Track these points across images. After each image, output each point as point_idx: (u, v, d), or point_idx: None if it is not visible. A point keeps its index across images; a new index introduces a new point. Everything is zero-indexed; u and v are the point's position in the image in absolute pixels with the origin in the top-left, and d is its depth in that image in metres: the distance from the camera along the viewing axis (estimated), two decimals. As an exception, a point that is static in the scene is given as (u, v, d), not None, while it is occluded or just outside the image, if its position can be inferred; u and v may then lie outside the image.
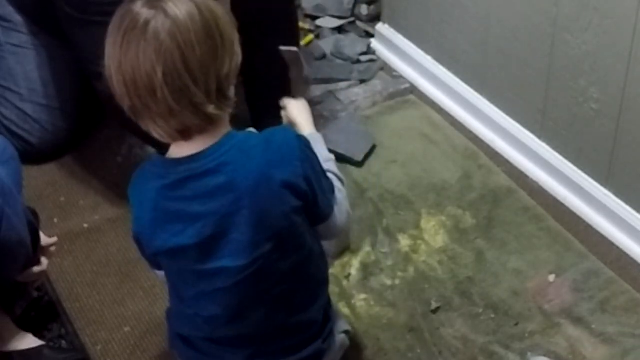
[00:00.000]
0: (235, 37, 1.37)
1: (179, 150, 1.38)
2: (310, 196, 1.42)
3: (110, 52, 1.33)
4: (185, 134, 1.35)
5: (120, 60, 1.30)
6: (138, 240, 1.47)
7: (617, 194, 2.08)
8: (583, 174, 2.15)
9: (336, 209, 1.51)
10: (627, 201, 2.06)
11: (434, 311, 1.95)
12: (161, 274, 1.54)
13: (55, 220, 2.16)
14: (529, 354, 1.84)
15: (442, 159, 2.36)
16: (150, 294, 1.98)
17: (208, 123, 1.35)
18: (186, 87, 1.29)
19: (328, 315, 1.60)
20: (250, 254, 1.39)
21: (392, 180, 2.29)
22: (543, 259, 2.07)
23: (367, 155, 2.36)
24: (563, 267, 2.04)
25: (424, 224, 2.17)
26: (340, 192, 1.55)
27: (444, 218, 2.18)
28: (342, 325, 1.67)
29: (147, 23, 1.29)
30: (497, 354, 1.85)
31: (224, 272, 1.41)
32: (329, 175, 1.54)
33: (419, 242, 2.11)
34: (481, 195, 2.24)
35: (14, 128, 2.30)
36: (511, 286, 2.00)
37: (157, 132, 1.35)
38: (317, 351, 1.55)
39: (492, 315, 1.94)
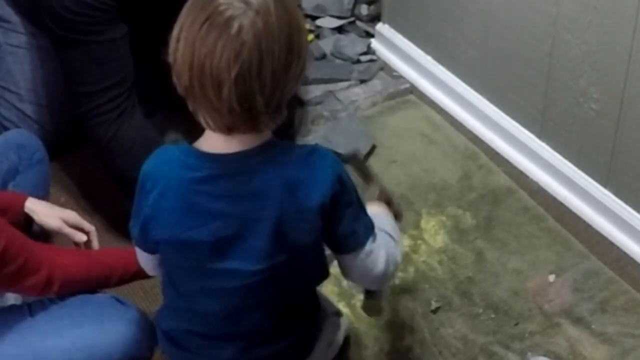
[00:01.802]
0: (307, 56, 1.35)
1: (214, 143, 1.35)
2: (333, 217, 1.40)
3: (186, 26, 1.27)
4: (230, 130, 1.32)
5: (195, 42, 1.26)
6: (144, 223, 1.43)
7: (617, 194, 2.08)
8: (583, 174, 2.15)
9: (370, 249, 1.46)
10: (627, 201, 2.06)
11: (434, 311, 1.95)
12: (148, 258, 1.51)
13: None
14: (529, 354, 1.84)
15: (442, 159, 2.36)
16: (151, 294, 1.98)
17: (257, 129, 1.33)
18: (252, 93, 1.26)
19: (317, 302, 1.59)
20: (264, 261, 1.38)
21: (392, 180, 2.29)
22: (543, 259, 2.07)
23: (367, 155, 2.36)
24: (563, 267, 2.04)
25: (424, 224, 2.17)
26: (386, 245, 1.51)
27: (444, 218, 2.18)
28: (330, 308, 1.67)
29: (234, 17, 1.24)
30: (497, 354, 1.86)
31: (233, 273, 1.40)
32: (381, 232, 1.51)
33: (419, 242, 2.11)
34: (481, 195, 2.25)
35: (13, 128, 2.30)
36: (511, 286, 2.00)
37: (204, 119, 1.32)
38: (308, 335, 1.55)
39: (492, 315, 1.94)
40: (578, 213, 2.17)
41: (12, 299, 1.73)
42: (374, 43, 2.75)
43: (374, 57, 2.71)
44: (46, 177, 1.88)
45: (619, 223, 2.08)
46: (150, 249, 1.48)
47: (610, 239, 2.10)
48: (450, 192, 2.26)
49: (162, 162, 1.41)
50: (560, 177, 2.21)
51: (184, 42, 1.27)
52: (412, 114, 2.53)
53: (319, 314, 1.57)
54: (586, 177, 2.15)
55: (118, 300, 1.71)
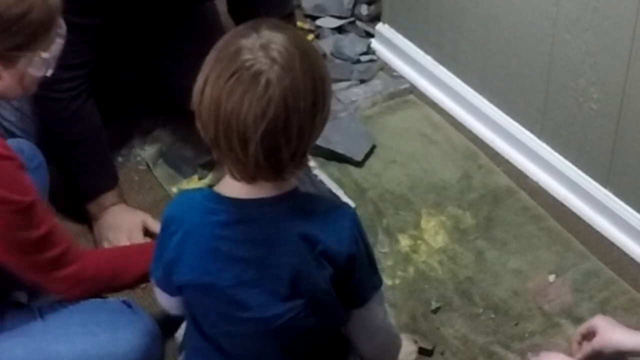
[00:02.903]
0: (331, 101, 1.35)
1: (235, 189, 1.36)
2: (346, 275, 1.40)
3: (210, 81, 1.28)
4: (254, 180, 1.33)
5: (220, 97, 1.26)
6: (167, 266, 1.44)
7: (617, 194, 2.08)
8: (583, 174, 2.15)
9: (378, 302, 1.48)
10: (627, 201, 2.06)
11: (434, 311, 1.95)
12: (169, 299, 1.51)
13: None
14: (529, 354, 1.84)
15: (442, 159, 2.36)
16: (150, 294, 1.98)
17: (281, 178, 1.33)
18: (278, 148, 1.27)
19: (344, 344, 1.58)
20: (282, 306, 1.39)
21: (392, 180, 2.29)
22: (543, 259, 2.07)
23: (367, 155, 2.36)
24: (563, 267, 2.04)
25: (424, 224, 2.16)
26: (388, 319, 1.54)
27: (444, 218, 2.18)
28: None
29: (260, 72, 1.25)
30: (497, 354, 1.86)
31: (253, 318, 1.40)
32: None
33: (419, 242, 2.11)
34: (481, 195, 2.24)
35: (13, 129, 2.29)
36: (511, 286, 2.00)
37: (230, 169, 1.33)
38: None
39: (492, 315, 1.94)
40: (578, 213, 2.17)
41: (22, 296, 1.72)
42: (374, 43, 2.75)
43: (374, 57, 2.71)
44: (45, 182, 1.89)
45: (619, 223, 2.08)
46: (172, 291, 1.49)
47: (610, 239, 2.10)
48: (450, 192, 2.26)
49: (185, 205, 1.42)
50: (560, 177, 2.21)
51: (209, 96, 1.27)
52: (412, 114, 2.53)
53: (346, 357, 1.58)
54: (586, 177, 2.15)
55: (129, 306, 1.71)
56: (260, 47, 1.26)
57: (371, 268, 1.45)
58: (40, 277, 1.58)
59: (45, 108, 2.02)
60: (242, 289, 1.38)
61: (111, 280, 1.69)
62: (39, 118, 2.05)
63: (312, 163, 2.20)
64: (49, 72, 1.58)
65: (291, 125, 1.26)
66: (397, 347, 1.59)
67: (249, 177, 1.32)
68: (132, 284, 1.75)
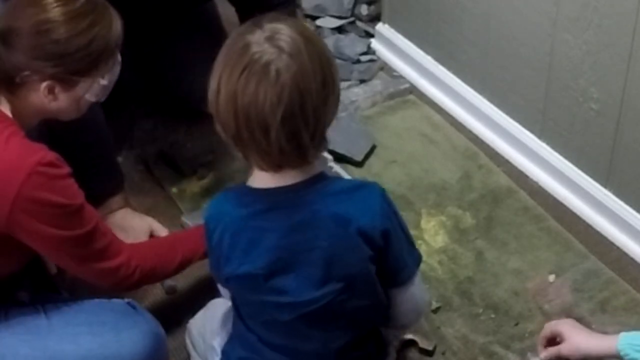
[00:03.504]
0: (339, 85, 1.42)
1: (264, 180, 1.41)
2: (384, 251, 1.44)
3: (223, 80, 1.34)
4: (281, 168, 1.39)
5: (236, 93, 1.32)
6: (214, 262, 1.50)
7: (617, 194, 2.08)
8: (583, 174, 2.15)
9: (418, 280, 1.53)
10: (627, 201, 2.06)
11: (434, 311, 1.95)
12: (226, 294, 1.57)
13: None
14: (529, 354, 1.84)
15: (442, 159, 2.36)
16: (152, 296, 1.98)
17: (304, 162, 1.39)
18: (298, 130, 1.33)
19: (382, 341, 1.60)
20: (317, 290, 1.42)
21: (392, 180, 2.29)
22: (543, 259, 2.07)
23: (367, 155, 2.36)
24: (563, 267, 2.04)
25: (424, 224, 2.17)
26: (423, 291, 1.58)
27: (444, 218, 2.18)
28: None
29: (270, 62, 1.31)
30: (497, 354, 1.86)
31: (289, 303, 1.44)
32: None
33: (419, 242, 2.11)
34: (481, 195, 2.25)
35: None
36: (511, 286, 2.00)
37: (256, 161, 1.38)
38: None
39: (492, 315, 1.94)
40: (578, 213, 2.17)
41: (24, 296, 1.73)
42: (374, 43, 2.75)
43: (374, 57, 2.71)
44: None
45: (619, 223, 2.08)
46: (224, 285, 1.54)
47: (610, 239, 2.10)
48: (450, 192, 2.26)
49: (221, 203, 1.48)
50: (560, 177, 2.21)
51: (225, 94, 1.33)
52: (412, 114, 2.53)
53: (384, 355, 1.59)
54: (586, 177, 2.15)
55: (133, 307, 1.73)
56: (266, 39, 1.32)
57: (408, 243, 1.50)
58: (90, 269, 1.64)
59: None
60: (277, 276, 1.42)
61: (157, 269, 1.73)
62: (49, 124, 2.05)
63: (327, 156, 2.23)
64: (103, 98, 1.68)
65: (306, 107, 1.32)
66: (427, 308, 1.63)
67: (275, 165, 1.37)
68: (178, 270, 1.79)
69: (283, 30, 1.34)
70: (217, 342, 1.61)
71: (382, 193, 1.44)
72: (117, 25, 1.60)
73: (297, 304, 1.43)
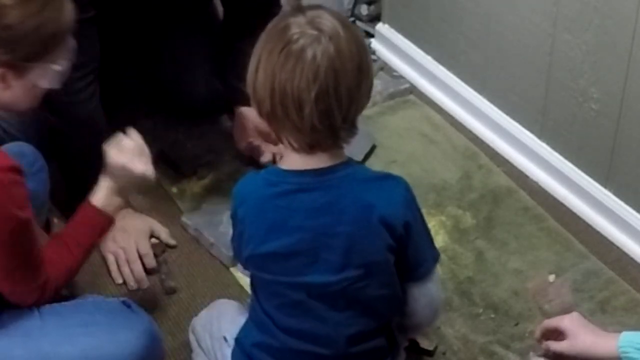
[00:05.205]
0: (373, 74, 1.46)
1: (294, 162, 1.45)
2: (404, 242, 1.46)
3: (263, 58, 1.39)
4: (312, 148, 1.42)
5: (274, 70, 1.37)
6: (237, 240, 1.52)
7: (617, 194, 2.08)
8: (583, 174, 2.15)
9: (436, 277, 1.55)
10: (627, 201, 2.06)
11: (434, 311, 1.95)
12: (247, 274, 1.60)
13: (55, 220, 2.16)
14: (531, 352, 1.84)
15: (442, 159, 2.36)
16: (149, 295, 1.98)
17: (335, 145, 1.43)
18: (331, 110, 1.38)
19: (394, 339, 1.61)
20: (337, 274, 1.44)
21: (392, 180, 2.29)
22: (543, 259, 2.07)
23: (367, 155, 2.36)
24: (563, 267, 2.04)
25: (424, 224, 2.16)
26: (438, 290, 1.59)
27: (444, 218, 2.18)
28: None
29: (308, 42, 1.37)
30: (497, 354, 1.86)
31: (308, 285, 1.45)
32: None
33: (419, 242, 2.11)
34: (481, 195, 2.25)
35: (12, 130, 2.29)
36: (511, 286, 2.00)
37: (289, 140, 1.42)
38: None
39: (492, 315, 1.94)
40: (578, 213, 2.17)
41: None
42: (374, 43, 2.75)
43: (374, 57, 2.71)
44: (46, 186, 1.89)
45: (619, 223, 2.08)
46: (244, 264, 1.56)
47: (610, 239, 2.10)
48: (450, 192, 2.26)
49: (249, 182, 1.52)
50: (560, 177, 2.21)
51: (263, 72, 1.39)
52: (412, 114, 2.53)
53: (394, 350, 1.59)
54: (586, 177, 2.15)
55: (129, 306, 1.72)
56: (307, 22, 1.38)
57: (429, 239, 1.52)
58: (12, 286, 1.59)
59: (65, 113, 2.02)
60: (296, 257, 1.44)
61: (68, 275, 1.69)
62: (55, 125, 2.05)
63: None
64: (58, 86, 1.63)
65: (340, 88, 1.37)
66: (441, 309, 1.65)
67: (307, 145, 1.41)
68: (85, 259, 1.73)
69: (323, 15, 1.40)
70: (230, 334, 1.61)
71: (407, 186, 1.48)
72: (68, 7, 1.56)
73: (313, 285, 1.45)
